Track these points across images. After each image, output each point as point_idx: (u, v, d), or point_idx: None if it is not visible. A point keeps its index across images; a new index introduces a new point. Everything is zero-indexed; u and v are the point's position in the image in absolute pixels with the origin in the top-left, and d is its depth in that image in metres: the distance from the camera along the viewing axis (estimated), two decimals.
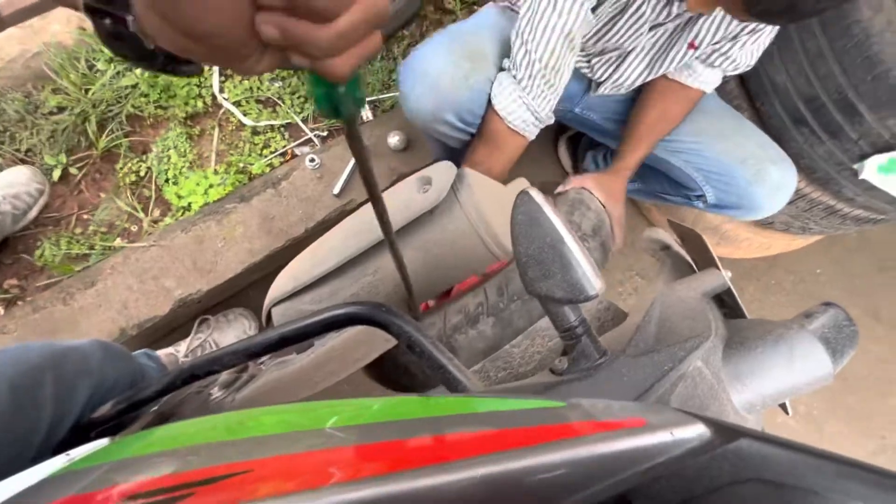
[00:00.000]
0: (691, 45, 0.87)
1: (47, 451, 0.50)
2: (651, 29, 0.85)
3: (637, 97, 1.03)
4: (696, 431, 0.18)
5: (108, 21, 0.24)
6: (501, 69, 0.86)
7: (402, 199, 0.61)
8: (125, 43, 0.24)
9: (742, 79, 1.14)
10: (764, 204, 1.00)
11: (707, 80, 0.95)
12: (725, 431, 0.18)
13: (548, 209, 0.32)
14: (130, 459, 0.30)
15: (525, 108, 0.84)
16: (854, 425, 1.63)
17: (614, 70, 0.96)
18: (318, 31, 0.22)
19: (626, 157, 0.98)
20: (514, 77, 0.83)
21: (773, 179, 0.98)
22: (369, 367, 0.61)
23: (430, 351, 0.37)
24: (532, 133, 0.88)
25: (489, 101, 0.87)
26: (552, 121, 0.89)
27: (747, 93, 1.14)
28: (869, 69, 0.87)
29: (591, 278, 0.31)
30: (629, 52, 0.91)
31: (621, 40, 0.87)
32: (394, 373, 0.65)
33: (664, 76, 0.96)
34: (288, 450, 0.24)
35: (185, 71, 0.28)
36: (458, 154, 1.01)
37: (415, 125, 0.95)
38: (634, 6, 0.81)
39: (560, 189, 0.88)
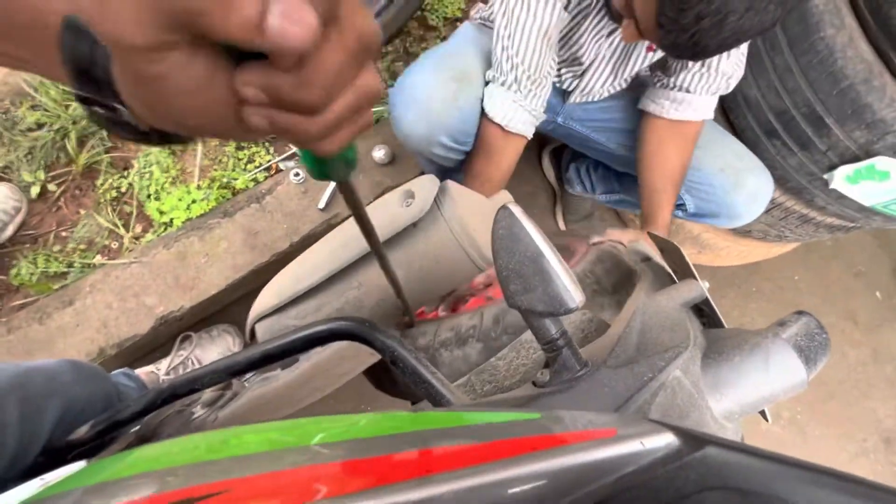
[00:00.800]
0: (650, 48, 0.90)
1: (15, 477, 0.49)
2: (609, 34, 0.88)
3: (637, 136, 1.02)
4: (664, 440, 0.19)
5: (99, 109, 0.24)
6: (487, 83, 0.89)
7: (386, 213, 0.61)
8: (119, 125, 0.25)
9: None
10: (742, 212, 1.03)
11: (706, 110, 0.95)
12: (693, 440, 0.19)
13: (527, 224, 0.32)
14: (108, 483, 0.30)
15: (522, 110, 0.87)
16: (836, 429, 1.66)
17: (580, 78, 0.98)
18: (306, 122, 0.21)
19: (658, 216, 0.96)
20: (503, 84, 0.86)
21: (751, 187, 1.01)
22: (366, 370, 0.61)
23: (413, 366, 0.37)
24: (531, 131, 0.91)
25: (482, 116, 0.89)
26: (544, 116, 0.92)
27: (722, 107, 1.18)
28: (834, 84, 0.91)
29: (572, 291, 0.31)
30: (592, 61, 0.94)
31: (586, 45, 0.90)
32: (387, 377, 0.65)
33: (664, 120, 0.96)
34: (272, 467, 0.23)
35: (183, 140, 0.29)
36: (452, 173, 1.02)
37: (407, 147, 0.97)
38: (595, 10, 0.84)
39: (596, 240, 0.87)
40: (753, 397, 0.37)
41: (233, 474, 0.24)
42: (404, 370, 0.38)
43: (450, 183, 0.65)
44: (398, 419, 0.26)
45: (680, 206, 1.08)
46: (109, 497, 0.27)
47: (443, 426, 0.23)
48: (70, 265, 1.05)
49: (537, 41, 0.81)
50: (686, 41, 0.63)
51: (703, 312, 0.50)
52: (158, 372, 1.01)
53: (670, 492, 0.17)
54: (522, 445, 0.19)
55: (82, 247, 1.08)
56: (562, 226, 1.57)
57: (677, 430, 0.20)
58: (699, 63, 0.89)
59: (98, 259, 1.07)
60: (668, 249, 0.54)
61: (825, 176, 1.03)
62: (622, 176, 1.23)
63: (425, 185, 0.61)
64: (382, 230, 0.60)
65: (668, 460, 0.18)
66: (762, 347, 0.38)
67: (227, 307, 1.19)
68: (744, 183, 1.00)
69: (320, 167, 0.26)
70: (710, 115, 0.97)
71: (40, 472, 0.37)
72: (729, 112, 1.16)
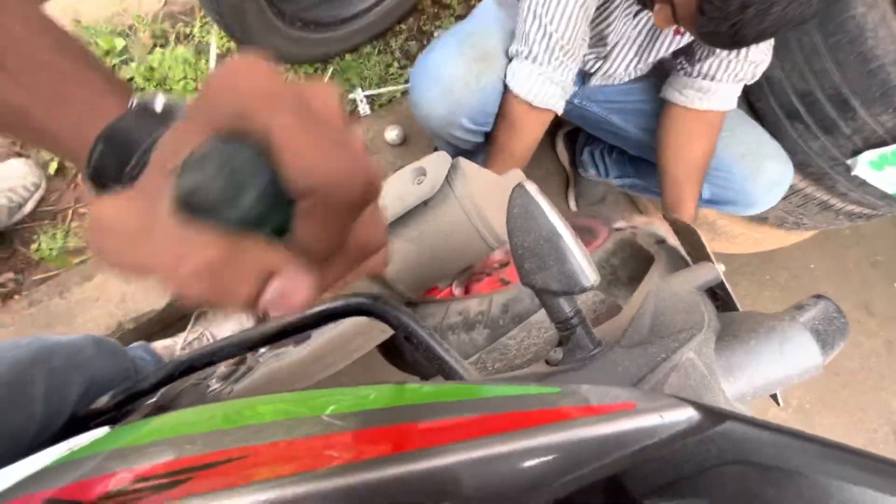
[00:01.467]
0: (678, 32, 0.87)
1: (39, 448, 0.50)
2: (636, 15, 0.85)
3: (658, 125, 1.00)
4: (685, 414, 0.19)
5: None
6: (510, 60, 0.87)
7: (397, 191, 0.61)
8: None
9: None
10: (759, 199, 1.01)
11: (731, 99, 0.93)
12: (713, 414, 0.19)
13: (543, 202, 0.32)
14: (128, 448, 0.31)
15: (550, 83, 0.84)
16: (845, 418, 1.65)
17: (604, 60, 0.96)
18: None
19: (683, 208, 0.95)
20: (527, 57, 0.83)
21: (770, 175, 0.99)
22: (380, 346, 0.62)
23: (427, 342, 0.37)
24: (560, 106, 0.88)
25: (504, 93, 0.87)
26: (574, 88, 0.89)
27: (742, 88, 1.14)
28: (863, 65, 0.88)
29: (586, 270, 0.31)
30: (616, 43, 0.91)
31: (614, 24, 0.88)
32: (399, 351, 0.66)
33: (690, 111, 0.94)
34: (286, 436, 0.24)
35: None
36: (468, 156, 1.02)
37: (426, 128, 0.96)
38: None
39: (620, 225, 0.86)
40: (767, 380, 0.37)
41: (249, 443, 0.24)
42: (418, 346, 0.38)
43: (462, 160, 0.64)
44: (408, 392, 0.27)
45: None
46: (129, 462, 0.28)
47: (457, 398, 0.23)
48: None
49: (575, 9, 0.78)
50: (727, 30, 0.61)
51: (718, 296, 0.49)
52: (175, 347, 1.04)
53: (690, 465, 0.17)
54: (539, 417, 0.19)
55: None
56: (574, 209, 1.56)
57: (697, 405, 0.20)
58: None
59: None
60: (684, 232, 0.54)
61: (848, 161, 1.01)
62: (636, 160, 1.21)
63: (437, 163, 0.61)
64: (393, 207, 0.60)
65: (688, 434, 0.18)
66: (778, 331, 0.37)
67: None
68: (764, 169, 0.98)
69: None
70: (734, 103, 0.94)
71: (62, 440, 0.39)
72: (749, 93, 1.13)
